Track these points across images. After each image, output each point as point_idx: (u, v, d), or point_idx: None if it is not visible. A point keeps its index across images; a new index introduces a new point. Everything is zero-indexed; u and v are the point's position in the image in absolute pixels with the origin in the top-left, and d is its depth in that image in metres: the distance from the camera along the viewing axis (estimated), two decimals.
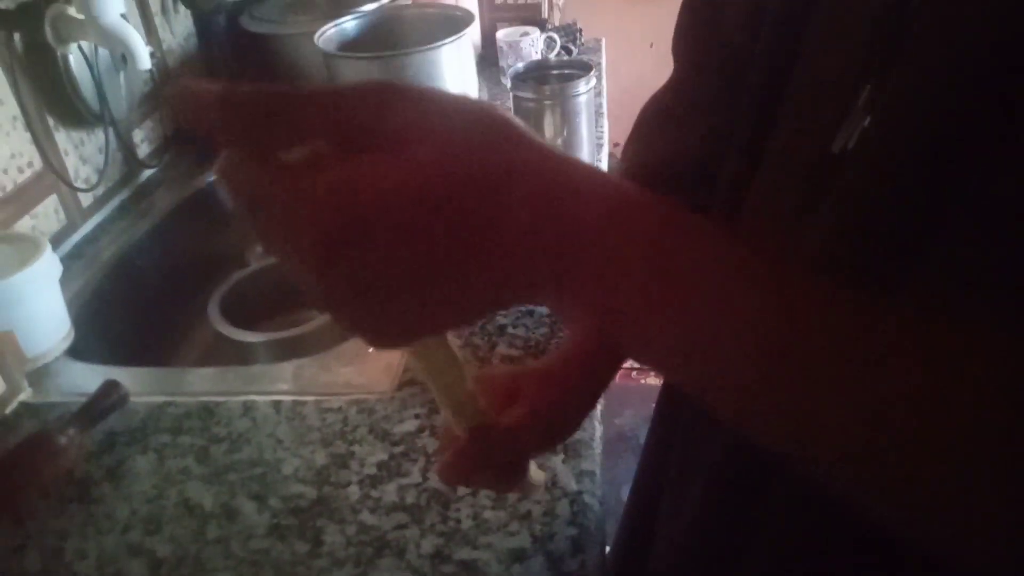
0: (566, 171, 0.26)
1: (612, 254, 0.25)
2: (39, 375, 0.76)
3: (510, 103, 1.03)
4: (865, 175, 0.31)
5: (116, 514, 0.61)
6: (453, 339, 0.35)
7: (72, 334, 0.81)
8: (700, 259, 0.25)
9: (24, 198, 0.90)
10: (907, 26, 0.30)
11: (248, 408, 0.70)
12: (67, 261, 0.92)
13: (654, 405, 0.62)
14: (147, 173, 1.14)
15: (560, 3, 1.55)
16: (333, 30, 1.18)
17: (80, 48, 0.94)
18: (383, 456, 0.63)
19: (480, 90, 1.24)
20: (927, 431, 0.22)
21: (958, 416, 0.22)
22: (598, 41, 1.48)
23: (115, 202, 1.07)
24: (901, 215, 0.29)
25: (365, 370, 0.74)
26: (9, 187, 0.88)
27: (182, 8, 1.20)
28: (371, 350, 0.77)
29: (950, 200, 0.28)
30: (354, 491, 0.61)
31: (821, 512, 0.34)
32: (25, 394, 0.74)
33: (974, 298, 0.26)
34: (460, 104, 0.26)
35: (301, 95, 0.25)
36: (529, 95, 0.97)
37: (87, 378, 0.75)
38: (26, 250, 0.77)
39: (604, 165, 1.22)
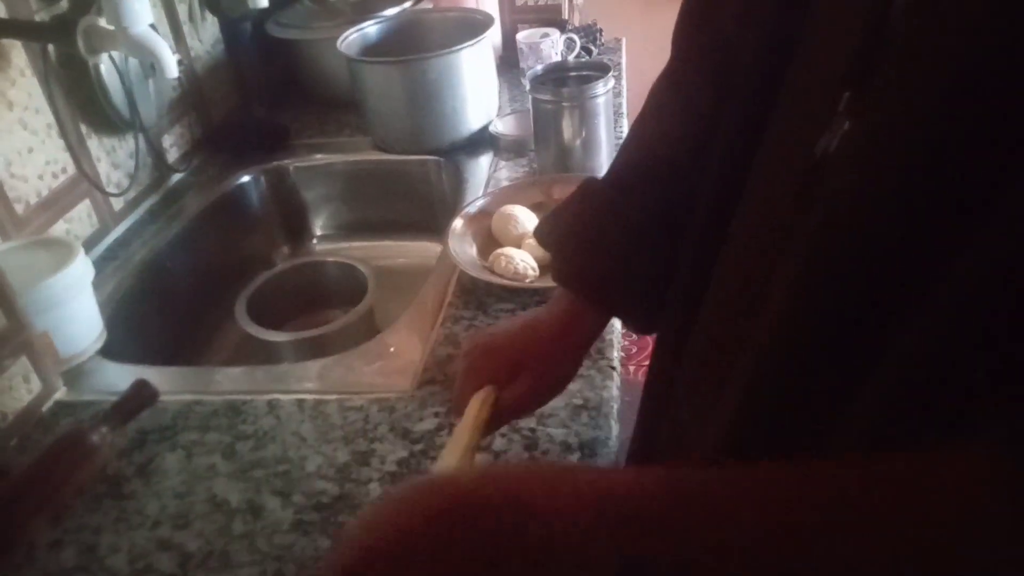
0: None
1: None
2: (73, 375, 0.79)
3: (529, 105, 1.04)
4: (844, 179, 0.32)
5: (147, 510, 0.63)
6: None
7: (104, 335, 0.84)
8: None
9: (58, 203, 0.93)
10: (889, 33, 0.30)
11: (273, 406, 0.72)
12: (99, 264, 0.95)
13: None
14: (176, 177, 1.17)
15: (580, 4, 1.55)
16: (356, 35, 1.20)
17: (111, 58, 0.97)
18: (403, 454, 0.65)
19: (500, 92, 1.25)
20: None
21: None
22: (618, 41, 1.48)
23: (145, 206, 1.10)
24: (883, 219, 0.29)
25: (387, 370, 0.75)
26: (44, 193, 0.91)
27: (209, 16, 1.23)
28: (392, 350, 0.78)
29: (936, 207, 0.28)
30: (375, 488, 0.62)
31: None
32: (60, 393, 0.76)
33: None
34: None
35: None
36: (547, 97, 0.98)
37: (119, 377, 0.77)
38: (60, 254, 0.79)
39: None
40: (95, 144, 1.00)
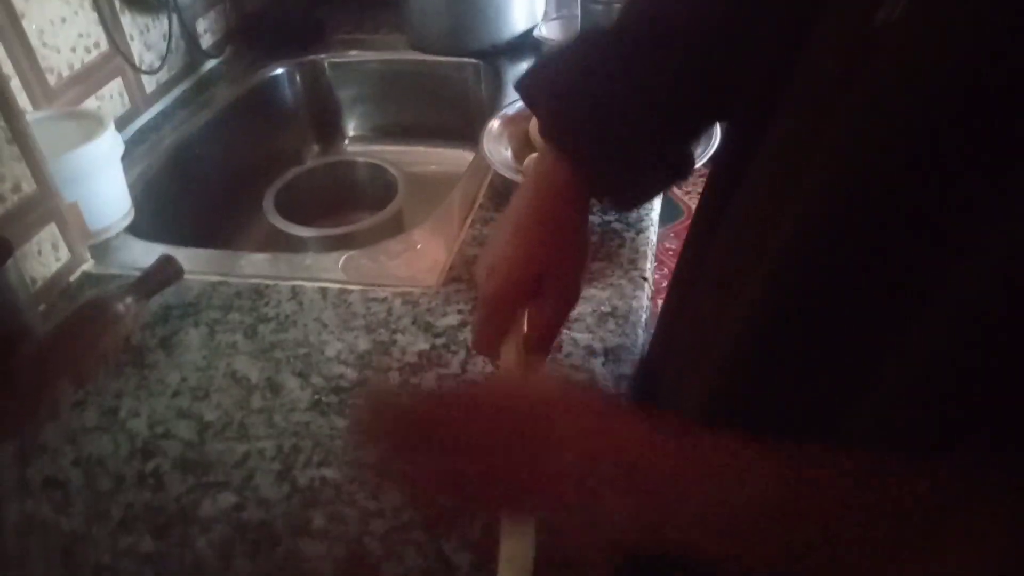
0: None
1: None
2: (101, 249, 0.79)
3: (578, 10, 0.99)
4: (905, 47, 0.29)
5: (167, 380, 0.63)
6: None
7: (132, 213, 0.83)
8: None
9: (90, 78, 0.92)
10: None
11: (296, 292, 0.71)
12: (129, 146, 0.94)
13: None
14: (209, 65, 1.14)
15: None
16: None
17: None
18: (424, 346, 0.64)
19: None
20: None
21: None
22: None
23: (177, 91, 1.08)
24: (938, 95, 0.27)
25: (413, 265, 0.74)
26: (76, 66, 0.89)
27: None
28: (419, 247, 0.77)
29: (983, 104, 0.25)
30: (394, 376, 0.62)
31: None
32: (87, 265, 0.76)
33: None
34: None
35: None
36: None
37: (146, 255, 0.77)
38: (90, 127, 0.78)
39: None
40: (128, 21, 0.97)
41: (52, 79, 0.86)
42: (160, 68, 1.02)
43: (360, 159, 1.14)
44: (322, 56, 1.20)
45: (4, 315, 0.61)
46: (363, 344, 0.65)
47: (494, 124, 0.86)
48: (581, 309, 0.66)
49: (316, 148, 1.25)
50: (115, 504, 0.53)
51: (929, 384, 0.29)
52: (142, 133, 1.00)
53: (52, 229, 0.72)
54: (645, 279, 0.70)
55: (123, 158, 0.81)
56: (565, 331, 0.64)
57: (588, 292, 0.68)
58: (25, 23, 0.81)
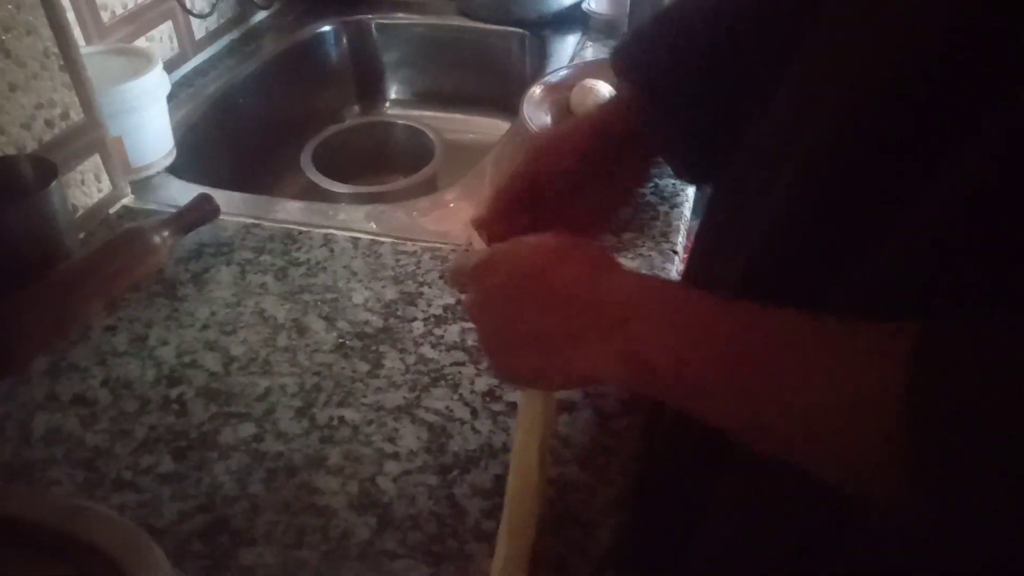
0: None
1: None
2: (141, 185, 0.80)
3: None
4: None
5: (197, 313, 0.64)
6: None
7: (174, 153, 0.84)
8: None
9: (142, 18, 0.93)
10: None
11: (328, 240, 0.72)
12: (175, 89, 0.95)
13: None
14: (258, 17, 1.15)
15: None
16: None
17: None
18: (450, 300, 0.64)
19: None
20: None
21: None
22: None
23: (225, 40, 1.09)
24: (954, 40, 0.28)
25: (443, 222, 0.74)
26: (130, 5, 0.91)
27: None
28: (452, 205, 0.77)
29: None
30: (418, 326, 0.62)
31: None
32: (127, 199, 0.78)
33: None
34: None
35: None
36: None
37: (184, 194, 0.78)
38: (139, 63, 0.79)
39: None
40: None
41: (106, 16, 0.87)
42: (210, 14, 1.03)
43: (399, 121, 1.14)
44: (369, 16, 1.20)
45: (45, 235, 0.63)
46: (390, 294, 0.65)
47: (536, 90, 0.85)
48: None
49: (357, 108, 1.26)
50: (139, 425, 0.55)
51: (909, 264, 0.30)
52: (188, 78, 1.01)
53: (96, 160, 0.73)
54: (676, 252, 0.69)
55: (168, 100, 0.82)
56: None
57: None
58: None
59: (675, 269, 0.68)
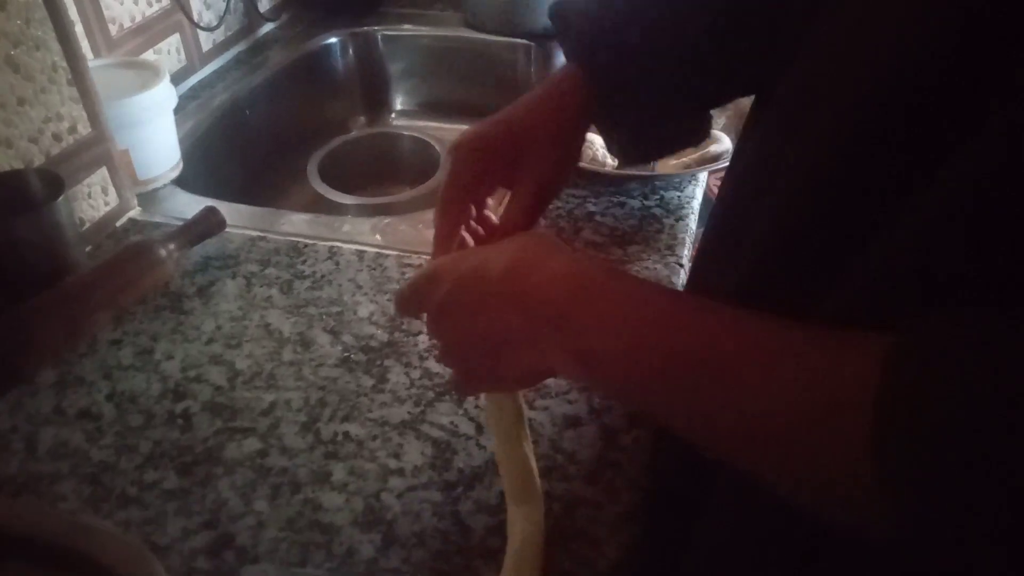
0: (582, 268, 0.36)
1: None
2: (148, 198, 0.81)
3: None
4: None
5: (203, 326, 0.64)
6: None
7: (181, 165, 0.85)
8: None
9: (150, 31, 0.93)
10: None
11: (333, 253, 0.72)
12: (182, 101, 0.96)
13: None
14: (265, 28, 1.16)
15: None
16: None
17: None
18: None
19: None
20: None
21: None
22: None
23: (232, 52, 1.09)
24: (946, 47, 0.28)
25: None
26: (138, 18, 0.91)
27: None
28: None
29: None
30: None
31: None
32: (134, 211, 0.78)
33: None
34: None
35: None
36: None
37: (191, 207, 0.78)
38: (146, 76, 0.80)
39: None
40: None
41: (114, 29, 0.88)
42: (218, 27, 1.04)
43: (405, 132, 1.14)
44: (376, 28, 1.20)
45: (52, 249, 0.63)
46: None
47: None
48: None
49: (363, 119, 1.26)
50: (144, 440, 0.55)
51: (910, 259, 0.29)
52: (195, 90, 1.02)
53: (103, 173, 0.74)
54: (681, 265, 0.69)
55: (175, 113, 0.83)
56: None
57: None
58: None
59: (680, 282, 0.68)
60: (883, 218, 0.30)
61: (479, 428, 0.55)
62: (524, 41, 1.12)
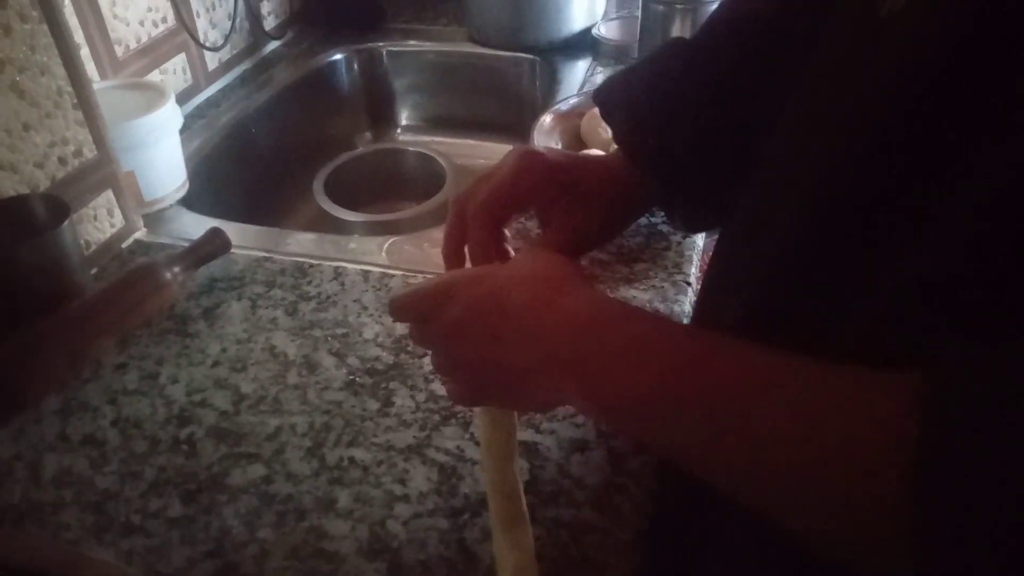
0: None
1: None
2: (154, 218, 0.81)
3: (639, 11, 0.98)
4: (905, 39, 0.30)
5: (208, 350, 0.64)
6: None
7: (187, 185, 0.85)
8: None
9: (156, 52, 0.94)
10: None
11: (339, 273, 0.72)
12: (188, 120, 0.96)
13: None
14: (271, 47, 1.16)
15: None
16: None
17: None
18: None
19: None
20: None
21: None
22: None
23: (238, 70, 1.10)
24: (940, 84, 0.28)
25: None
26: (143, 39, 0.92)
27: None
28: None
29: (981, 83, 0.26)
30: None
31: None
32: (140, 233, 0.78)
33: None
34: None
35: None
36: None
37: (196, 227, 0.78)
38: (152, 98, 0.80)
39: None
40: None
41: (119, 51, 0.88)
42: (223, 46, 1.04)
43: (411, 148, 1.14)
44: (380, 44, 1.21)
45: (57, 274, 0.63)
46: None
47: (546, 119, 0.85)
48: None
49: (368, 135, 1.26)
50: (148, 466, 0.54)
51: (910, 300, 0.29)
52: (201, 109, 1.02)
53: (109, 195, 0.74)
54: (688, 283, 0.68)
55: (181, 132, 0.83)
56: None
57: (629, 293, 0.67)
58: None
59: (688, 300, 0.67)
60: (886, 253, 0.29)
61: None
62: (529, 56, 1.12)
